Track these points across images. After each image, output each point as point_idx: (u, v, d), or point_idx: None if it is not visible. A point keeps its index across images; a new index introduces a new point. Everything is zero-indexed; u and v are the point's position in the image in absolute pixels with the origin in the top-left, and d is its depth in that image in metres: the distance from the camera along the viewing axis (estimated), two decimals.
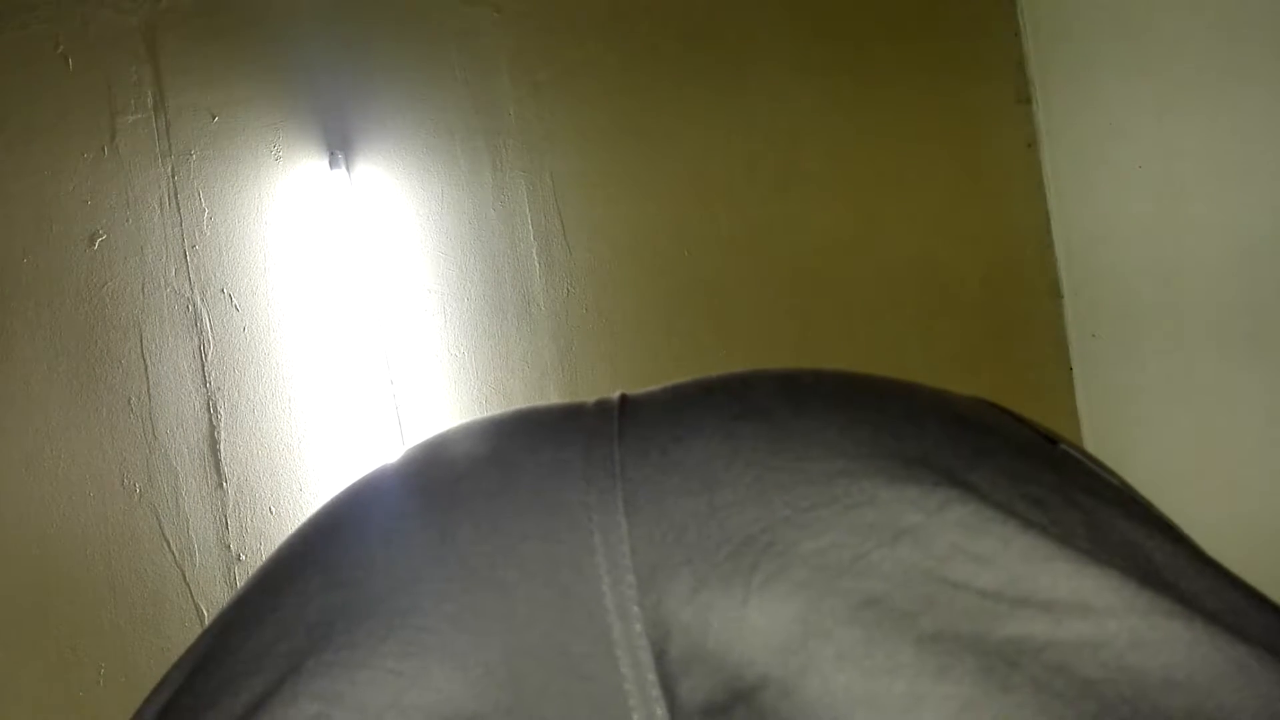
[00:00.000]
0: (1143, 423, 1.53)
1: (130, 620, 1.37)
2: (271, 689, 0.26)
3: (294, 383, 1.44)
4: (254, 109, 1.45)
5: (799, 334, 1.60)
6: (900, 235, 1.63)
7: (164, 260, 1.42)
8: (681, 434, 0.29)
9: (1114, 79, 1.49)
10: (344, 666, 0.26)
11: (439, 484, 0.30)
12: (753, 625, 0.25)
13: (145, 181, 1.42)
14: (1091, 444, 1.66)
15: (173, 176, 1.42)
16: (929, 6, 1.65)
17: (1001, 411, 0.34)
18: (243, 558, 1.41)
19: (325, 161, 1.46)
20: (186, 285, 1.42)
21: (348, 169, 1.46)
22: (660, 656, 0.25)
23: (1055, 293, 1.68)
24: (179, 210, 1.42)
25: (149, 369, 1.40)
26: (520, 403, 1.49)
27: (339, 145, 1.47)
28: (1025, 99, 1.68)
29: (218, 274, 1.43)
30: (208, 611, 1.40)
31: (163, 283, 1.42)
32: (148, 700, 0.29)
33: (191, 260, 1.42)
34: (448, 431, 0.34)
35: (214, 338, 1.42)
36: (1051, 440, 0.32)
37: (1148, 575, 0.25)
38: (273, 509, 1.43)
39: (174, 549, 1.39)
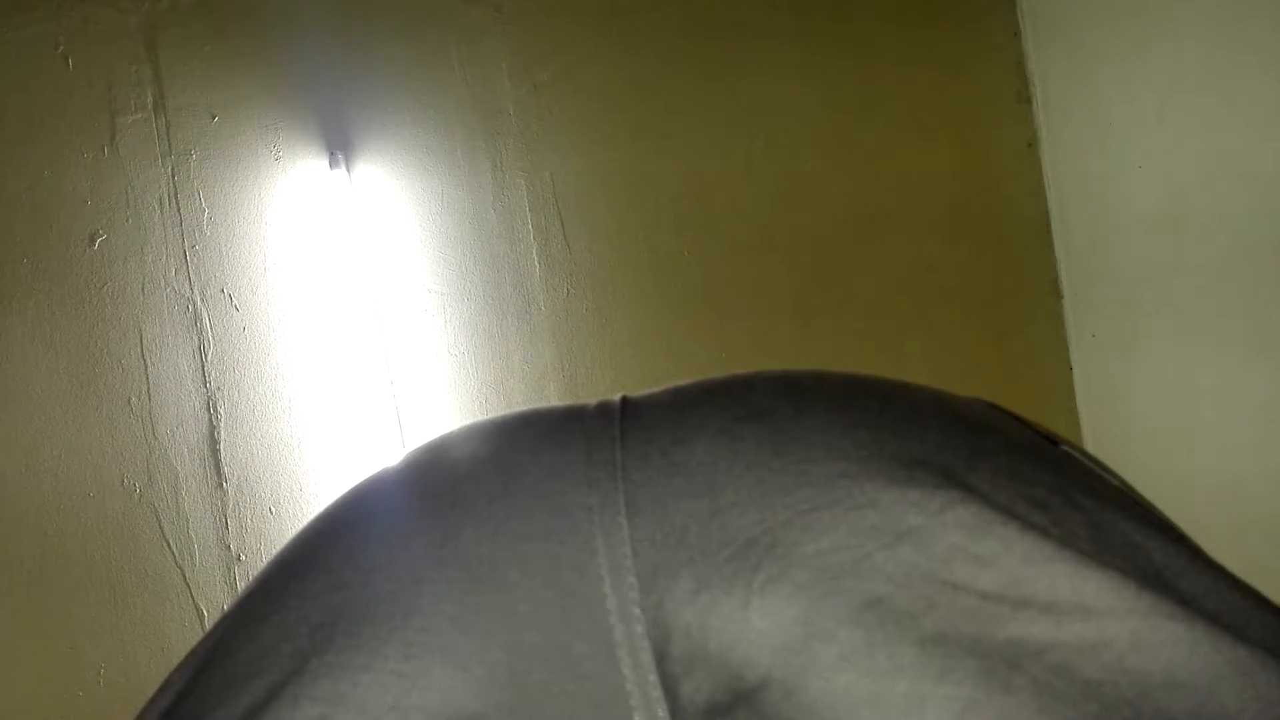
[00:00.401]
0: (1143, 423, 1.53)
1: (130, 620, 1.37)
2: (274, 691, 0.26)
3: (294, 383, 1.44)
4: (254, 109, 1.45)
5: (799, 334, 1.60)
6: (900, 235, 1.63)
7: (164, 260, 1.42)
8: (683, 436, 0.29)
9: (1114, 79, 1.49)
10: (346, 668, 0.26)
11: (441, 486, 0.30)
12: (754, 626, 0.25)
13: (145, 181, 1.42)
14: (1091, 444, 1.66)
15: (173, 176, 1.42)
16: (929, 7, 1.65)
17: (1002, 412, 0.34)
18: (243, 558, 1.41)
19: (325, 161, 1.46)
20: (186, 285, 1.42)
21: (348, 169, 1.46)
22: (662, 657, 0.25)
23: (1055, 293, 1.68)
24: (179, 210, 1.42)
25: (149, 369, 1.40)
26: (520, 403, 1.50)
27: (339, 145, 1.47)
28: (1025, 99, 1.68)
29: (218, 274, 1.43)
30: (208, 611, 1.40)
31: (163, 283, 1.42)
32: (151, 702, 0.29)
33: (191, 260, 1.42)
34: (449, 434, 0.34)
35: (214, 338, 1.42)
36: (1052, 441, 0.33)
37: (1149, 577, 0.25)
38: (273, 509, 1.43)
39: (174, 549, 1.40)
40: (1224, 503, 1.37)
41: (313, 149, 1.46)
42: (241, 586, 1.38)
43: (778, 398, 0.31)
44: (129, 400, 1.40)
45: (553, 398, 1.53)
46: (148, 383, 1.40)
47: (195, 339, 1.42)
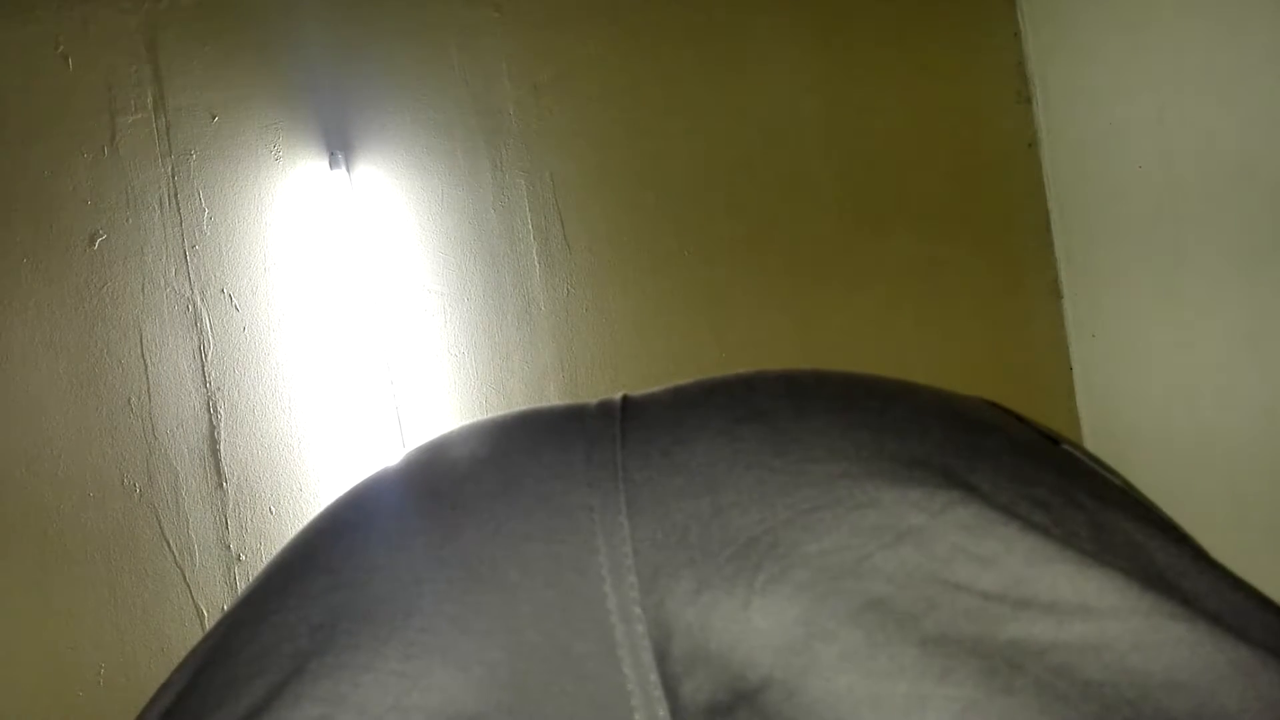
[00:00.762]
0: (1143, 423, 1.53)
1: (130, 620, 1.37)
2: (275, 691, 0.26)
3: (294, 383, 1.44)
4: (254, 109, 1.45)
5: (799, 334, 1.60)
6: (900, 235, 1.63)
7: (164, 260, 1.42)
8: (684, 436, 0.29)
9: (1114, 79, 1.49)
10: (347, 668, 0.26)
11: (441, 486, 0.30)
12: (755, 626, 0.25)
13: (145, 181, 1.42)
14: (1091, 444, 1.66)
15: (173, 176, 1.42)
16: (929, 7, 1.65)
17: (1004, 411, 0.34)
18: (243, 558, 1.41)
19: (325, 161, 1.46)
20: (186, 285, 1.42)
21: (348, 169, 1.46)
22: (662, 657, 0.25)
23: (1055, 292, 1.69)
24: (179, 210, 1.42)
25: (149, 369, 1.40)
26: (520, 403, 1.50)
27: (339, 145, 1.47)
28: (1025, 99, 1.68)
29: (218, 274, 1.43)
30: (208, 611, 1.40)
31: (163, 283, 1.42)
32: (152, 701, 0.29)
33: (191, 260, 1.42)
34: (449, 433, 0.34)
35: (214, 338, 1.42)
36: (1054, 440, 0.32)
37: (1150, 577, 0.25)
38: (273, 509, 1.43)
39: (174, 549, 1.39)
40: (1224, 503, 1.37)
41: (313, 149, 1.46)
42: (241, 586, 1.38)
43: (779, 397, 0.30)
44: (129, 400, 1.40)
45: (553, 398, 1.53)
46: (148, 383, 1.40)
47: (195, 339, 1.42)
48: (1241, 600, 0.25)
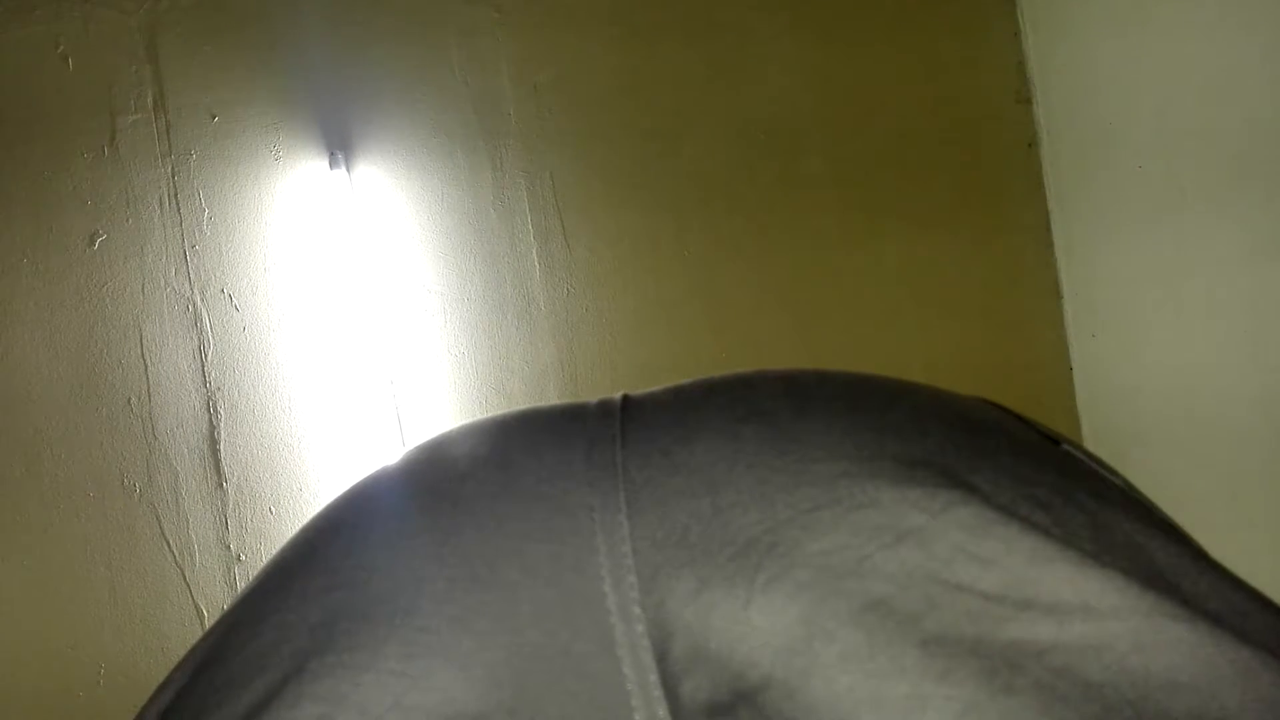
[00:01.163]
0: (1143, 423, 1.53)
1: (130, 620, 1.37)
2: (274, 690, 0.26)
3: (294, 383, 1.44)
4: (254, 109, 1.45)
5: (799, 334, 1.60)
6: (900, 235, 1.63)
7: (164, 260, 1.42)
8: (684, 435, 0.29)
9: (1114, 79, 1.49)
10: (347, 668, 0.26)
11: (441, 485, 0.30)
12: (756, 626, 0.25)
13: (145, 181, 1.42)
14: (1091, 444, 1.66)
15: (173, 176, 1.42)
16: (929, 7, 1.65)
17: (1004, 412, 0.34)
18: (243, 558, 1.41)
19: (325, 161, 1.46)
20: (186, 285, 1.42)
21: (348, 169, 1.46)
22: (662, 657, 0.25)
23: (1055, 292, 1.68)
24: (179, 210, 1.42)
25: (149, 369, 1.40)
26: (520, 403, 1.50)
27: (339, 145, 1.47)
28: (1025, 99, 1.68)
29: (218, 274, 1.43)
30: (208, 611, 1.40)
31: (163, 283, 1.42)
32: (151, 700, 0.29)
33: (191, 260, 1.42)
34: (449, 432, 0.34)
35: (214, 338, 1.42)
36: (1054, 440, 0.32)
37: (1151, 577, 0.25)
38: (273, 509, 1.43)
39: (174, 549, 1.39)
40: (1224, 503, 1.37)
41: (313, 149, 1.46)
42: (241, 586, 1.38)
43: (779, 397, 0.30)
44: (129, 400, 1.40)
45: (553, 398, 1.53)
46: (148, 383, 1.40)
47: (195, 339, 1.42)
48: (1242, 600, 0.25)
